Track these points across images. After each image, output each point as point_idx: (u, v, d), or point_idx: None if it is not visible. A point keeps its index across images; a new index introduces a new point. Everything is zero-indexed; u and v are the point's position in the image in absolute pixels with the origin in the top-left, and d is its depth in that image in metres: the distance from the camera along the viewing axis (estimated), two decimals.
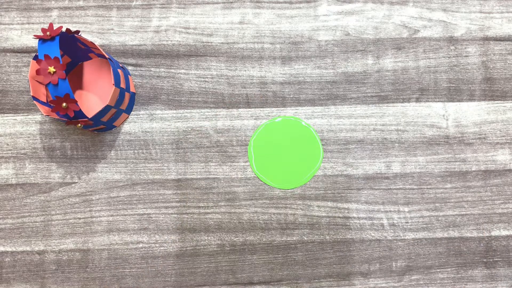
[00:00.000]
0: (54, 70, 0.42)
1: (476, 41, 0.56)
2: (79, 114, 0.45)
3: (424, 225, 0.52)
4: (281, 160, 0.53)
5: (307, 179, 0.53)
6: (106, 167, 0.53)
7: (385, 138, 0.54)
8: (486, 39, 0.56)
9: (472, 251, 0.51)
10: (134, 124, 0.54)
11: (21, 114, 0.54)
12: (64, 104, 0.43)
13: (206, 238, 0.52)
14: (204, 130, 0.54)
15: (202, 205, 0.52)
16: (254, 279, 0.51)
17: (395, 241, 0.52)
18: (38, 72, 0.42)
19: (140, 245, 0.51)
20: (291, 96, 0.54)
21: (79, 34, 0.48)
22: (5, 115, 0.54)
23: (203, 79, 0.55)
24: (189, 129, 0.54)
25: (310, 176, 0.53)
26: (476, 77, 0.55)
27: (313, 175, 0.53)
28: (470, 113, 0.54)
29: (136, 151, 0.53)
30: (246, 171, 0.53)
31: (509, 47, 0.56)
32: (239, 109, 0.54)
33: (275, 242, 0.52)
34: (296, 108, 0.54)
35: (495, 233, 0.52)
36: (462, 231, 0.52)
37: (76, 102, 0.43)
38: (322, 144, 0.53)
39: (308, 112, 0.54)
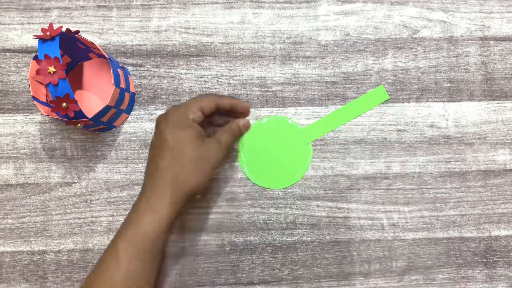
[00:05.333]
0: (54, 70, 0.42)
1: (476, 41, 0.56)
2: (79, 114, 0.45)
3: (424, 225, 0.52)
4: (271, 160, 0.53)
5: (299, 177, 0.52)
6: (106, 167, 0.53)
7: (385, 138, 0.54)
8: (486, 39, 0.56)
9: (472, 251, 0.51)
10: (134, 124, 0.54)
11: (21, 114, 0.54)
12: (64, 104, 0.43)
13: (206, 238, 0.52)
14: None
15: (202, 205, 0.52)
16: (254, 279, 0.51)
17: (395, 241, 0.51)
18: (38, 72, 0.42)
19: None
20: (291, 96, 0.54)
21: (79, 34, 0.48)
22: (5, 115, 0.54)
23: (203, 79, 0.55)
24: None
25: (301, 174, 0.52)
26: (476, 77, 0.55)
27: (304, 173, 0.52)
28: (470, 113, 0.54)
29: (136, 151, 0.53)
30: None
31: (509, 47, 0.56)
32: None
33: (275, 242, 0.52)
34: (296, 108, 0.54)
35: (495, 233, 0.52)
36: (462, 231, 0.52)
37: (76, 102, 0.43)
38: (322, 144, 0.53)
39: (308, 112, 0.54)
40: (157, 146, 0.43)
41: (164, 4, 0.56)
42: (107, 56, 0.49)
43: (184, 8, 0.56)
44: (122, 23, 0.56)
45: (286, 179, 0.52)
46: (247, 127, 0.45)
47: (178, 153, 0.42)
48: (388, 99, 0.54)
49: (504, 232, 0.52)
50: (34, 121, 0.54)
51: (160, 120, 0.44)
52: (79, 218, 0.52)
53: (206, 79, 0.55)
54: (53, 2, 0.56)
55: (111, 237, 0.51)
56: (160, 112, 0.54)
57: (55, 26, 0.44)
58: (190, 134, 0.42)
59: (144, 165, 0.53)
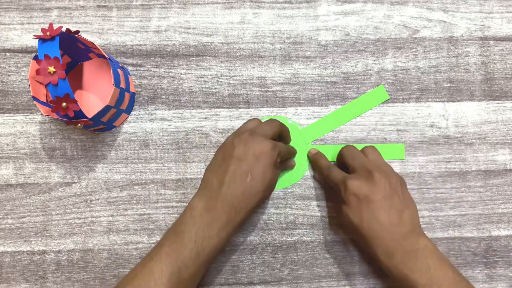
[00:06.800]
0: (54, 70, 0.42)
1: (476, 41, 0.56)
2: (79, 114, 0.45)
3: (424, 225, 0.52)
4: None
5: (299, 177, 0.52)
6: (106, 167, 0.53)
7: (385, 138, 0.53)
8: (486, 39, 0.56)
9: (472, 251, 0.51)
10: (134, 124, 0.54)
11: (21, 114, 0.54)
12: (64, 104, 0.43)
13: None
14: (204, 130, 0.54)
15: None
16: (254, 279, 0.51)
17: None
18: (38, 72, 0.42)
19: (140, 245, 0.51)
20: (291, 96, 0.54)
21: (79, 34, 0.48)
22: (5, 115, 0.54)
23: (203, 79, 0.55)
24: (189, 129, 0.54)
25: (301, 174, 0.52)
26: (476, 77, 0.55)
27: (304, 173, 0.52)
28: (470, 113, 0.54)
29: (136, 151, 0.53)
30: None
31: (509, 47, 0.56)
32: (239, 109, 0.54)
33: (275, 242, 0.52)
34: (296, 108, 0.54)
35: (495, 233, 0.52)
36: (462, 231, 0.52)
37: (76, 102, 0.43)
38: (322, 144, 0.53)
39: (308, 112, 0.54)
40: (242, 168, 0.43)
41: (164, 4, 0.56)
42: (107, 56, 0.49)
43: (184, 8, 0.56)
44: (122, 23, 0.56)
45: (286, 179, 0.52)
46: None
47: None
48: (388, 99, 0.54)
49: (504, 232, 0.52)
50: (34, 121, 0.54)
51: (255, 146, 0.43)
52: (79, 218, 0.52)
53: (206, 79, 0.55)
54: (53, 2, 0.56)
55: (111, 237, 0.51)
56: (159, 112, 0.54)
57: (55, 26, 0.44)
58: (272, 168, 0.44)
59: (144, 165, 0.53)
